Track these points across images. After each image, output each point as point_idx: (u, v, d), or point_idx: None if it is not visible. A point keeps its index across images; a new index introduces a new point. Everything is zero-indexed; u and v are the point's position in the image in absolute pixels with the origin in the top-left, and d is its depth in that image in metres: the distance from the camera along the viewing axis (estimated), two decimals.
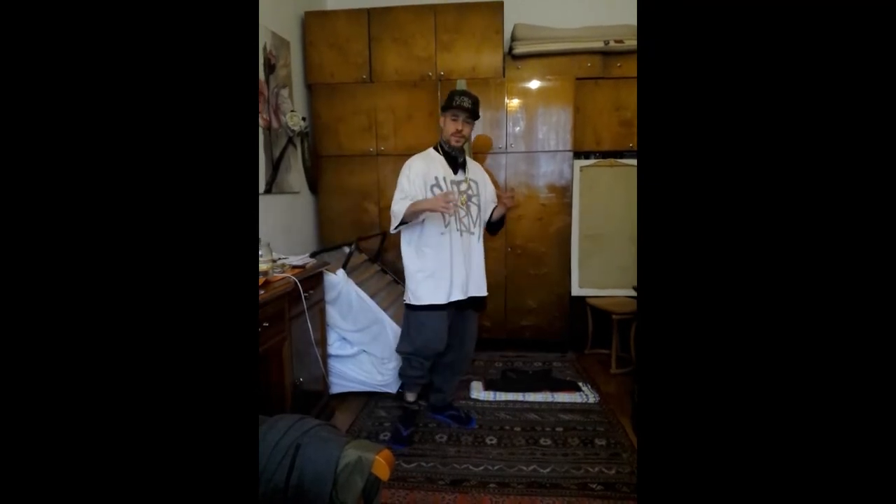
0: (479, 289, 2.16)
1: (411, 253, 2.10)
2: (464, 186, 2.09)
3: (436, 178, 2.03)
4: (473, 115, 2.04)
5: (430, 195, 1.98)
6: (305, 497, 1.02)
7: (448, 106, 2.03)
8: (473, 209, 2.12)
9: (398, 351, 2.25)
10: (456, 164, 2.09)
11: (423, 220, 2.02)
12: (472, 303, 2.16)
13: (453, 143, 2.03)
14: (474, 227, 2.12)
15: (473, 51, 3.02)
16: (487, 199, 2.20)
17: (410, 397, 2.28)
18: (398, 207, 1.96)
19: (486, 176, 2.23)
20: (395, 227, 2.00)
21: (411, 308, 2.12)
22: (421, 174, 2.03)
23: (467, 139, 2.09)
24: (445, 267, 2.04)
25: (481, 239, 2.18)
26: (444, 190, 2.01)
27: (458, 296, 2.08)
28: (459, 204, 2.02)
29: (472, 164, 2.19)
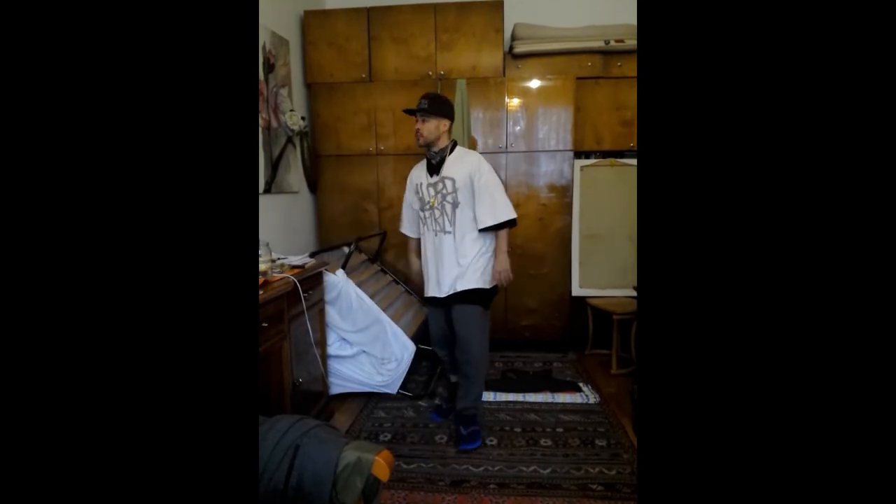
0: (451, 287, 2.11)
1: None
2: (440, 187, 2.12)
3: (418, 185, 2.20)
4: (431, 111, 2.01)
5: (415, 200, 2.24)
6: (305, 498, 1.02)
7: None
8: (448, 207, 2.10)
9: None
10: (432, 166, 2.15)
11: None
12: (452, 298, 2.12)
13: (417, 144, 2.12)
14: (450, 225, 2.11)
15: (473, 50, 3.02)
16: (469, 192, 2.06)
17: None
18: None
19: (470, 166, 2.06)
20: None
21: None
22: (411, 181, 2.26)
23: (427, 137, 2.04)
24: (425, 265, 2.24)
25: (459, 236, 2.09)
26: (422, 195, 2.18)
27: (432, 292, 2.20)
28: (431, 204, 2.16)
29: (455, 158, 2.10)
